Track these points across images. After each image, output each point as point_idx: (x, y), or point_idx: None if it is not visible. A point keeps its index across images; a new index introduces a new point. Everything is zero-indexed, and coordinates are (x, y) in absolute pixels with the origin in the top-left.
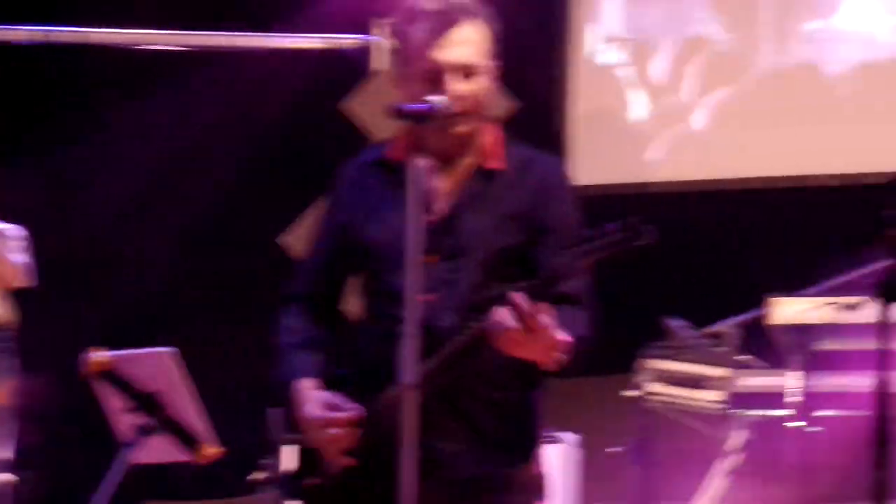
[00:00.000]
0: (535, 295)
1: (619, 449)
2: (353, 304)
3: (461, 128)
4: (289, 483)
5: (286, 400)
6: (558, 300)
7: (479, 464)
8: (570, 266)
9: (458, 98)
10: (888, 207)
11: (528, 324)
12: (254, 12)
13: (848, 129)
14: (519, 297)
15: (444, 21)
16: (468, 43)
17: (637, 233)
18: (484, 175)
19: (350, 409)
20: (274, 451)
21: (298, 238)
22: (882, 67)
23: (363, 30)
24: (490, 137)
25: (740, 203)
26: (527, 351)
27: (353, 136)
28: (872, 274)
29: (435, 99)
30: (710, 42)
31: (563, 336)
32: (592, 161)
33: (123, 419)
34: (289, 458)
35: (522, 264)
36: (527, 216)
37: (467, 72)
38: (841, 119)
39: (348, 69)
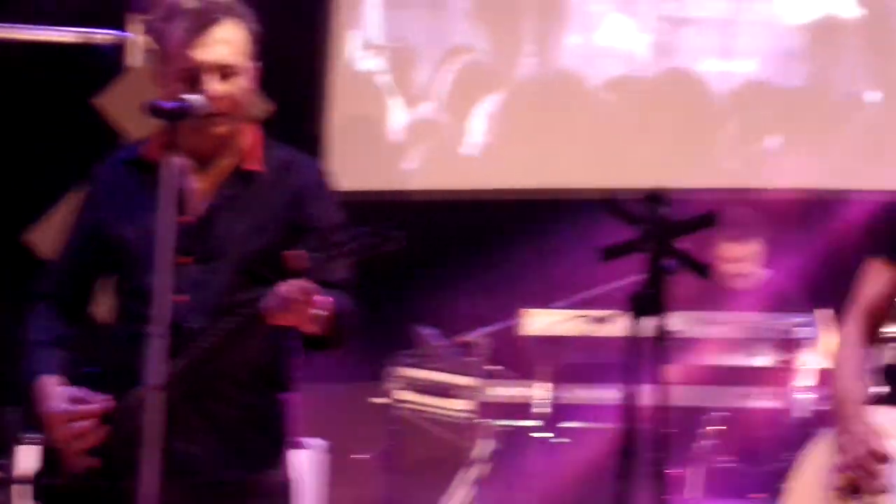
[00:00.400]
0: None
1: (366, 456)
2: (104, 303)
3: (219, 128)
4: (29, 483)
5: (29, 398)
6: (327, 287)
7: (224, 468)
8: (325, 267)
9: (216, 98)
10: (640, 224)
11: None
12: (5, 2)
13: (606, 144)
14: (299, 259)
15: (203, 20)
16: (226, 43)
17: (386, 238)
18: (242, 176)
19: (96, 402)
20: (8, 452)
21: (45, 236)
22: (639, 84)
23: (118, 25)
24: (249, 139)
25: (495, 213)
26: (294, 316)
27: (104, 133)
28: (623, 288)
29: (192, 98)
30: (471, 52)
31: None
32: (349, 167)
33: None
34: (27, 458)
35: (280, 266)
36: (286, 218)
37: (225, 72)
38: (599, 133)
39: (102, 64)
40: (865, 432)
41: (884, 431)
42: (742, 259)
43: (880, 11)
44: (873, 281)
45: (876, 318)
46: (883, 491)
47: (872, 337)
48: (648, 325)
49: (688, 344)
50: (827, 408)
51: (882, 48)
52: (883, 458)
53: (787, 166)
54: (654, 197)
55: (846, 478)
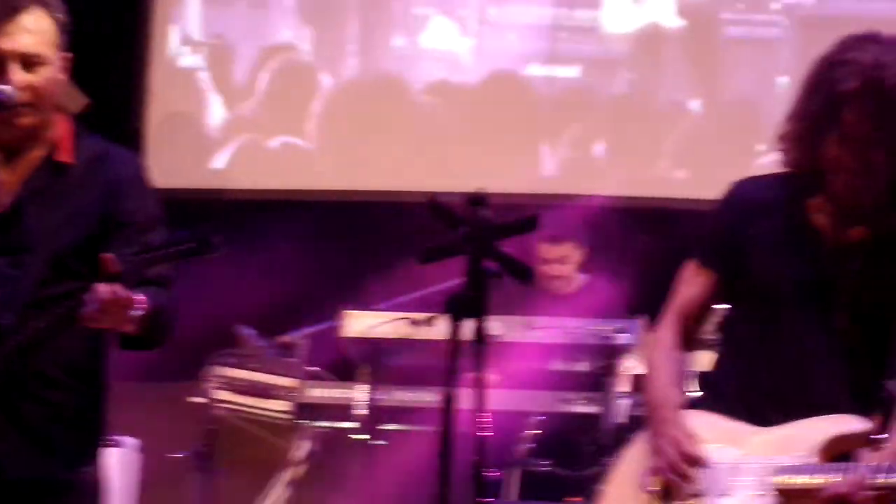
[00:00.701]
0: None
1: (181, 455)
2: None
3: (26, 119)
4: None
5: None
6: (144, 283)
7: (32, 467)
8: (140, 270)
9: (23, 88)
10: (461, 227)
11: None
12: None
13: (429, 147)
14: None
15: (7, 8)
16: (31, 32)
17: (205, 243)
18: (52, 168)
19: None
20: None
21: None
22: (462, 87)
23: None
24: (60, 130)
25: (316, 214)
26: (109, 319)
27: None
28: (444, 291)
29: None
30: (293, 51)
31: (138, 296)
32: (167, 163)
33: None
34: None
35: (94, 260)
36: (99, 211)
37: (30, 62)
38: (422, 136)
39: None
40: (679, 436)
41: (697, 436)
42: (560, 262)
43: (700, 22)
44: (687, 284)
45: (691, 322)
46: (696, 495)
47: (689, 341)
48: (468, 328)
49: (508, 348)
50: (642, 413)
51: (702, 58)
52: (696, 462)
53: (609, 173)
54: (476, 200)
55: (659, 481)
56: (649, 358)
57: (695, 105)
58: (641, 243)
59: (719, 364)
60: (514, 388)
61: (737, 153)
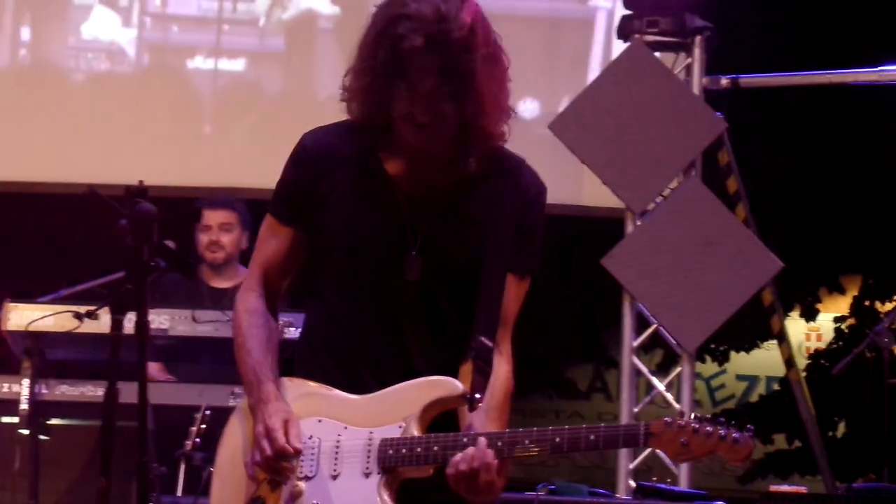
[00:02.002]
0: None
1: None
2: None
3: None
4: None
5: None
6: None
7: None
8: None
9: None
10: (122, 219)
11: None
12: None
13: (88, 139)
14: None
15: None
16: None
17: None
18: None
19: None
20: None
21: None
22: (123, 79)
23: None
24: None
25: None
26: None
27: None
28: (108, 284)
29: None
30: None
31: None
32: None
33: None
34: None
35: None
36: None
37: None
38: (82, 128)
39: None
40: (271, 427)
41: (292, 417)
42: (221, 228)
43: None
44: (267, 241)
45: (275, 279)
46: (305, 478)
47: (274, 299)
48: (131, 321)
49: (172, 341)
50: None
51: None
52: (291, 455)
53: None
54: (135, 192)
55: (261, 473)
56: (237, 326)
57: None
58: None
59: (311, 324)
60: (179, 381)
61: None
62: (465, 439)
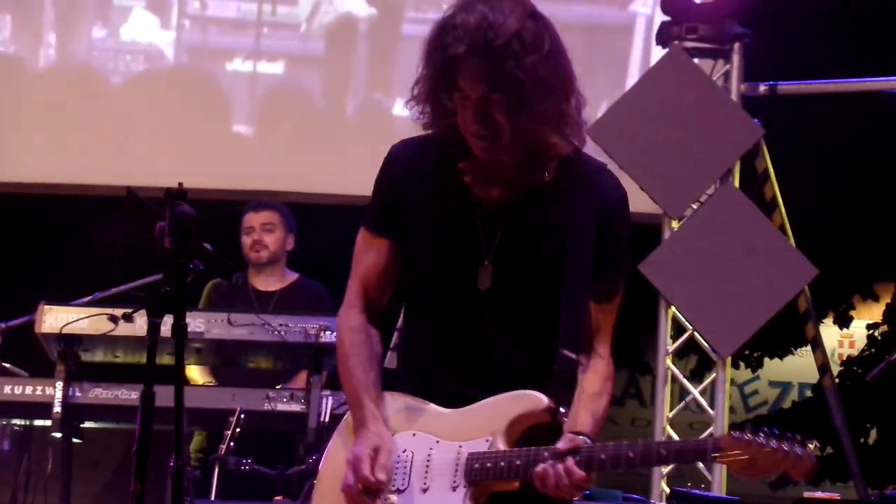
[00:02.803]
0: None
1: None
2: None
3: None
4: None
5: None
6: None
7: None
8: None
9: None
10: (160, 222)
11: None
12: None
13: (126, 141)
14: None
15: None
16: None
17: None
18: None
19: None
20: None
21: None
22: (162, 81)
23: None
24: None
25: (14, 206)
26: None
27: None
28: (145, 286)
29: None
30: None
31: None
32: None
33: None
34: None
35: None
36: None
37: None
38: (120, 130)
39: None
40: (360, 454)
41: (386, 442)
42: (264, 229)
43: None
44: (364, 254)
45: (375, 292)
46: (397, 491)
47: (376, 312)
48: (168, 324)
49: (211, 345)
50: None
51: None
52: (372, 486)
53: (311, 170)
54: (174, 195)
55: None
56: (340, 344)
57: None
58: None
59: (405, 336)
60: (216, 385)
61: None
62: (545, 453)
